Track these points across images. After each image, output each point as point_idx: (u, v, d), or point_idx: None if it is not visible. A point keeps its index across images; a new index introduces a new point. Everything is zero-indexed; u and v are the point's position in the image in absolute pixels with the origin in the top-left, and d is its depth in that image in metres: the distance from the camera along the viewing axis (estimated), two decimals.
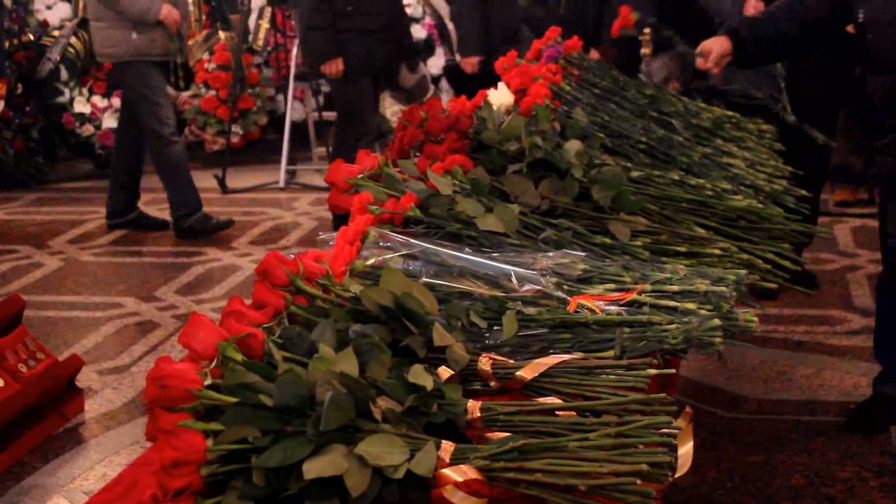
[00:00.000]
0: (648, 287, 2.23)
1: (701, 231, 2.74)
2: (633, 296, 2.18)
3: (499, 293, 2.17)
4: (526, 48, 4.27)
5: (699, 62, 3.62)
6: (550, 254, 2.36)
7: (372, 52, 5.95)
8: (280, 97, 8.68)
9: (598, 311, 2.12)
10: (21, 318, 4.00)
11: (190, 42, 8.12)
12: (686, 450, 1.75)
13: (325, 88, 8.21)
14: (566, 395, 1.86)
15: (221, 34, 8.48)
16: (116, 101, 8.06)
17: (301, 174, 7.99)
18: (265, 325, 1.94)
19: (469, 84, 5.72)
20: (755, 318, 2.19)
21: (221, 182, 7.56)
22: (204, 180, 6.53)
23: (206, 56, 8.46)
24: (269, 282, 2.06)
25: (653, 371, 1.92)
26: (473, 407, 1.75)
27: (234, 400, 1.66)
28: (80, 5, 8.23)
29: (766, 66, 3.95)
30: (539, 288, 2.20)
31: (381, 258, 2.27)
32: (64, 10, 8.23)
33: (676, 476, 1.68)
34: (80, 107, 8.00)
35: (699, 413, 3.71)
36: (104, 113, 8.05)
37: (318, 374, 1.69)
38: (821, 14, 3.52)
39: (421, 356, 1.93)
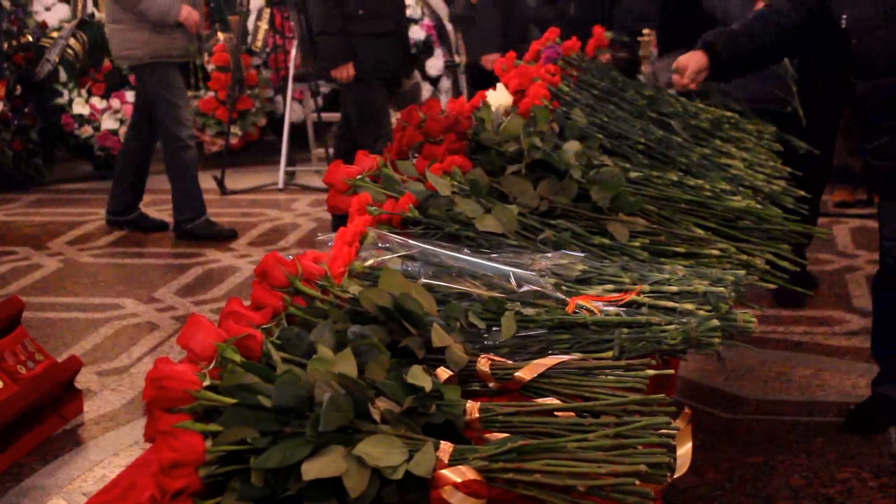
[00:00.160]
0: (647, 288, 2.23)
1: (699, 232, 2.74)
2: (631, 296, 2.18)
3: (497, 294, 2.17)
4: None
5: (675, 78, 3.61)
6: (549, 254, 2.36)
7: (384, 55, 5.94)
8: (279, 98, 8.68)
9: (596, 311, 2.12)
10: (20, 320, 4.00)
11: None
12: (685, 450, 1.75)
13: (324, 89, 8.22)
14: (565, 395, 1.86)
15: (220, 35, 8.48)
16: (115, 103, 8.06)
17: (300, 175, 7.99)
18: (264, 327, 1.94)
19: (489, 81, 5.73)
20: (754, 319, 2.19)
21: (220, 183, 7.56)
22: (203, 181, 6.52)
23: (205, 57, 8.46)
24: (267, 283, 2.06)
25: (651, 372, 1.92)
26: (472, 408, 1.75)
27: (232, 401, 1.66)
28: (79, 7, 8.23)
29: (742, 77, 3.93)
30: (538, 289, 2.20)
31: (379, 259, 2.27)
32: (63, 12, 8.23)
33: (675, 477, 1.68)
34: (79, 108, 8.00)
35: (698, 414, 3.71)
36: (103, 114, 8.05)
37: (316, 374, 1.69)
38: (798, 21, 3.51)
39: (420, 357, 1.93)
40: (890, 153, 3.39)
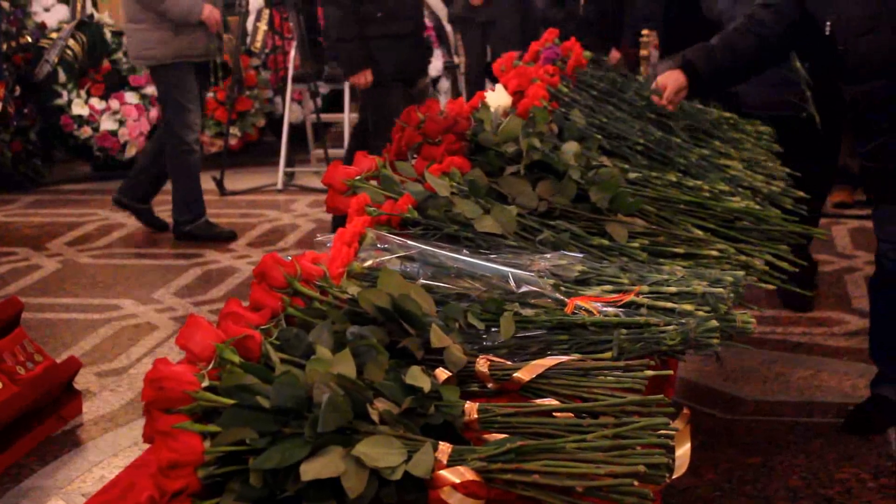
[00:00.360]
0: (646, 288, 2.23)
1: (698, 232, 2.74)
2: (630, 297, 2.18)
3: (496, 295, 2.17)
4: None
5: (654, 99, 3.59)
6: (548, 255, 2.36)
7: (404, 57, 5.89)
8: (278, 99, 8.68)
9: (595, 312, 2.12)
10: (19, 321, 4.00)
11: None
12: (683, 451, 1.75)
13: (324, 90, 8.21)
14: (564, 396, 1.86)
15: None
16: (114, 104, 8.06)
17: (299, 176, 7.99)
18: (263, 327, 1.94)
19: None
20: (752, 320, 2.19)
21: (219, 184, 7.55)
22: (202, 182, 6.52)
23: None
24: (266, 284, 2.06)
25: (650, 372, 1.92)
26: (471, 408, 1.75)
27: (231, 402, 1.66)
28: (78, 8, 8.23)
29: (723, 90, 3.91)
30: (537, 289, 2.20)
31: (378, 260, 2.27)
32: (62, 13, 8.23)
33: (674, 477, 1.68)
34: (78, 109, 8.00)
35: (697, 414, 3.71)
36: (102, 115, 8.05)
37: (315, 375, 1.69)
38: (780, 31, 3.49)
39: (418, 358, 1.93)
40: (884, 155, 3.39)
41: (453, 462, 1.61)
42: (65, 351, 4.53)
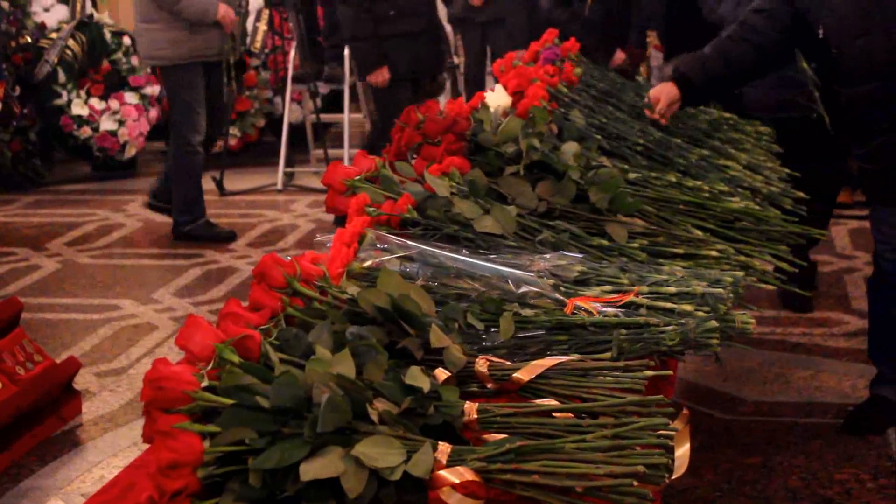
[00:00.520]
0: (645, 289, 2.23)
1: (698, 233, 2.74)
2: (630, 297, 2.18)
3: (496, 295, 2.17)
4: None
5: (646, 113, 3.57)
6: (548, 255, 2.36)
7: (416, 55, 5.85)
8: (278, 99, 8.68)
9: (595, 312, 2.12)
10: (18, 321, 4.00)
11: None
12: (683, 451, 1.75)
13: (323, 90, 8.21)
14: (563, 396, 1.86)
15: None
16: (114, 104, 8.06)
17: (299, 176, 7.99)
18: (262, 327, 1.94)
19: None
20: (752, 320, 2.19)
21: (219, 184, 7.55)
22: (202, 182, 6.53)
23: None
24: (266, 284, 2.06)
25: (649, 373, 1.92)
26: (470, 408, 1.75)
27: (230, 402, 1.66)
28: (78, 8, 8.22)
29: (717, 98, 3.89)
30: (536, 289, 2.20)
31: (378, 260, 2.27)
32: (61, 13, 8.22)
33: (673, 478, 1.68)
34: (78, 109, 8.00)
35: (696, 415, 3.71)
36: (102, 115, 8.05)
37: (314, 375, 1.69)
38: (775, 37, 3.47)
39: (418, 358, 1.93)
40: (880, 156, 3.39)
41: (453, 462, 1.61)
42: (64, 351, 4.53)
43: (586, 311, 2.13)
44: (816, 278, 5.00)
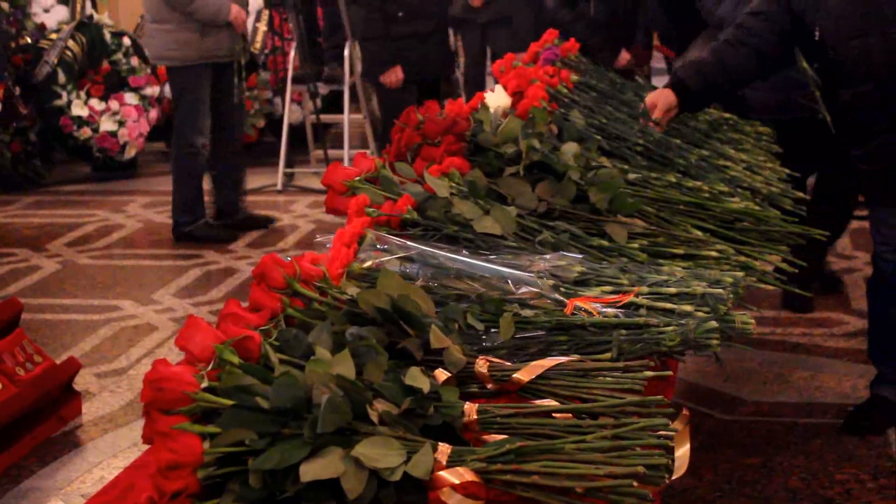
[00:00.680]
0: (645, 289, 2.23)
1: (698, 233, 2.74)
2: (629, 298, 2.18)
3: (496, 295, 2.17)
4: None
5: (641, 121, 3.55)
6: (547, 256, 2.36)
7: (424, 56, 5.82)
8: (277, 100, 8.68)
9: (595, 313, 2.12)
10: (18, 322, 4.00)
11: None
12: (683, 452, 1.75)
13: (323, 91, 8.21)
14: (563, 397, 1.86)
15: None
16: (114, 104, 8.06)
17: (299, 177, 7.99)
18: (262, 328, 1.94)
19: None
20: (752, 321, 2.19)
21: None
22: (202, 183, 6.52)
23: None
24: (265, 284, 2.06)
25: (649, 373, 1.92)
26: (470, 409, 1.75)
27: (230, 402, 1.66)
28: (78, 8, 8.22)
29: (717, 103, 3.89)
30: (536, 290, 2.20)
31: (378, 261, 2.27)
32: (61, 14, 8.22)
33: (673, 478, 1.68)
34: (78, 110, 8.00)
35: (696, 415, 3.71)
36: (102, 116, 8.05)
37: (314, 376, 1.69)
38: (774, 40, 3.46)
39: (418, 358, 1.93)
40: (879, 157, 3.39)
41: (453, 463, 1.61)
42: (64, 352, 4.53)
43: (586, 311, 2.13)
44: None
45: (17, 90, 7.69)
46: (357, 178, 2.67)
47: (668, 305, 2.17)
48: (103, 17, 8.41)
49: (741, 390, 3.98)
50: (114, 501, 1.73)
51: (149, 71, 8.23)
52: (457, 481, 1.58)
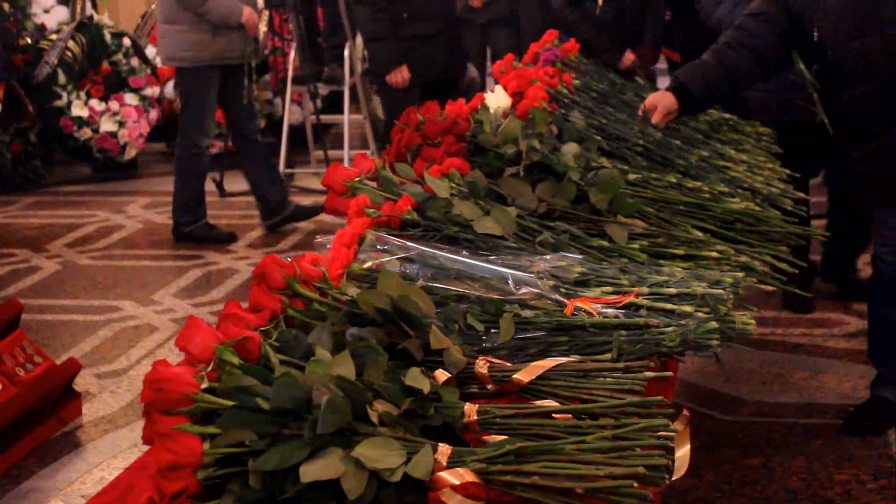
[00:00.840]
0: (645, 290, 2.23)
1: (698, 234, 2.74)
2: (630, 299, 2.18)
3: (496, 296, 2.17)
4: None
5: (637, 122, 3.54)
6: (548, 256, 2.36)
7: (428, 58, 5.79)
8: (278, 100, 8.68)
9: (595, 313, 2.12)
10: (19, 322, 4.00)
11: None
12: (683, 452, 1.75)
13: (323, 91, 8.21)
14: (563, 397, 1.86)
15: None
16: (114, 105, 8.06)
17: (299, 177, 7.98)
18: (262, 329, 1.94)
19: None
20: (752, 321, 2.19)
21: (219, 185, 7.55)
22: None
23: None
24: (266, 285, 2.06)
25: (650, 374, 1.92)
26: (470, 410, 1.75)
27: (230, 403, 1.66)
28: (78, 9, 8.22)
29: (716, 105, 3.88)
30: (536, 291, 2.20)
31: (378, 261, 2.27)
32: (61, 14, 8.22)
33: (673, 479, 1.68)
34: (78, 110, 7.99)
35: (696, 416, 3.71)
36: (102, 116, 8.05)
37: (314, 377, 1.69)
38: (773, 41, 3.45)
39: (418, 359, 1.93)
40: (878, 158, 3.39)
41: (453, 463, 1.61)
42: (64, 352, 4.53)
43: (586, 312, 2.13)
44: (817, 279, 4.99)
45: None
46: (357, 179, 2.67)
47: (669, 306, 2.18)
48: (103, 18, 8.41)
49: (741, 391, 3.98)
50: (114, 502, 1.73)
51: (149, 71, 8.22)
52: (457, 482, 1.58)
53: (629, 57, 5.47)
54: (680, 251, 2.63)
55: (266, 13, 8.22)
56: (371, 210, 2.50)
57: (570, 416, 1.76)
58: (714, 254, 2.64)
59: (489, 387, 1.92)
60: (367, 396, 1.69)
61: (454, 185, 2.64)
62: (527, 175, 2.78)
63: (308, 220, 6.60)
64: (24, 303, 4.17)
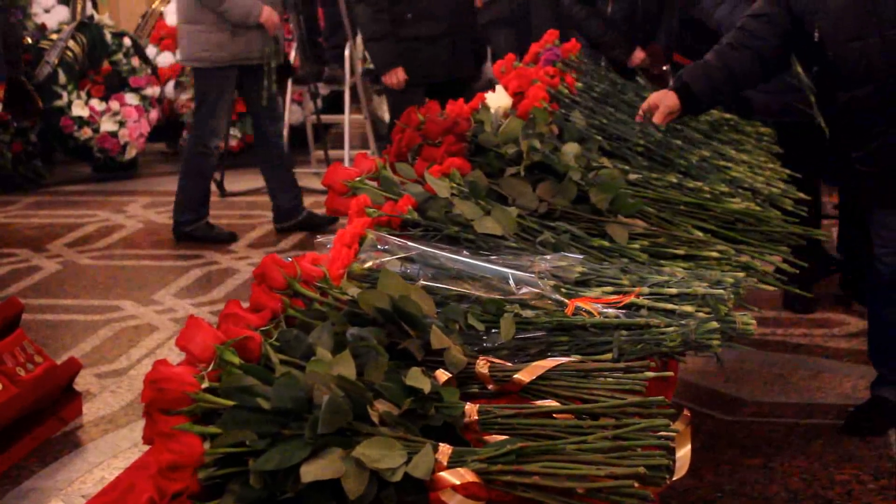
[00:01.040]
0: (646, 290, 2.23)
1: (699, 234, 2.74)
2: (630, 299, 2.18)
3: (497, 296, 2.17)
4: None
5: (637, 118, 3.52)
6: (548, 256, 2.36)
7: (435, 58, 5.76)
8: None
9: (595, 313, 2.12)
10: (19, 322, 4.00)
11: None
12: (684, 453, 1.75)
13: (324, 91, 8.21)
14: (564, 397, 1.86)
15: None
16: (115, 105, 8.06)
17: (299, 177, 7.96)
18: (262, 329, 1.94)
19: None
20: (753, 321, 2.19)
21: (220, 185, 7.55)
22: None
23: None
24: (266, 285, 2.06)
25: (650, 374, 1.92)
26: (471, 410, 1.75)
27: (231, 403, 1.66)
28: (78, 9, 8.22)
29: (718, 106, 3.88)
30: (537, 291, 2.20)
31: (378, 261, 2.27)
32: (62, 14, 8.22)
33: (674, 479, 1.68)
34: (78, 110, 7.99)
35: (697, 416, 3.71)
36: (102, 116, 8.05)
37: (315, 377, 1.69)
38: (775, 42, 3.45)
39: (419, 359, 1.93)
40: (878, 159, 3.39)
41: (453, 463, 1.61)
42: (65, 352, 4.53)
43: (587, 312, 2.13)
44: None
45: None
46: (358, 179, 2.67)
47: (669, 306, 2.18)
48: (104, 18, 8.41)
49: (742, 391, 3.98)
50: (114, 502, 1.73)
51: (149, 71, 8.22)
52: (457, 482, 1.58)
53: (639, 55, 5.46)
54: (681, 251, 2.63)
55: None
56: (372, 210, 2.49)
57: (570, 416, 1.76)
58: (715, 254, 2.64)
59: (490, 387, 1.92)
60: (368, 396, 1.69)
61: (455, 184, 2.64)
62: (527, 175, 2.78)
63: (320, 229, 6.54)
64: (24, 302, 4.16)
